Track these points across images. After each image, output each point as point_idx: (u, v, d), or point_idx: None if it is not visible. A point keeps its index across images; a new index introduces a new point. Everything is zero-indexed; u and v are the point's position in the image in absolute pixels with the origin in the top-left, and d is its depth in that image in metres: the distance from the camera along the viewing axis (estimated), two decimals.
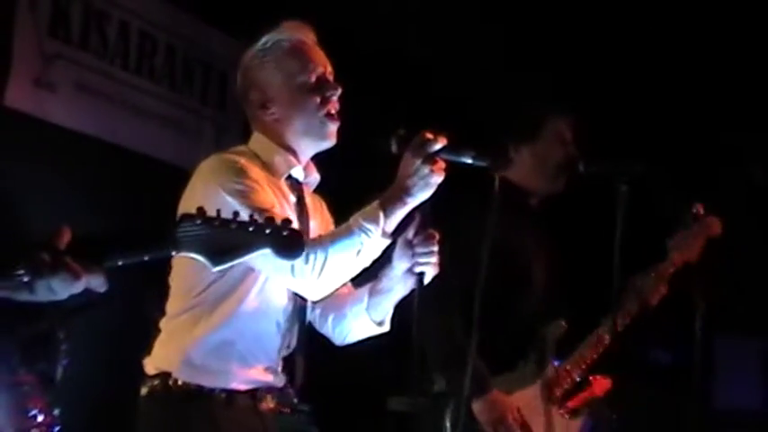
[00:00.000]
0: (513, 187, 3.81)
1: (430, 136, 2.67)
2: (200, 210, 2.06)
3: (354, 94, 2.94)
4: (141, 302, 4.64)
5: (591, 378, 3.82)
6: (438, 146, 2.66)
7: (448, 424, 3.57)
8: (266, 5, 5.80)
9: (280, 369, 2.87)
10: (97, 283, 2.07)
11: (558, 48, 5.95)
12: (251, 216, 2.10)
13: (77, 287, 2.06)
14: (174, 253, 2.07)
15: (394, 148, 2.71)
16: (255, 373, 2.80)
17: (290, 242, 2.09)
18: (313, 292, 2.72)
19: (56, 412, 4.15)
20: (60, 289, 2.04)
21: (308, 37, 2.95)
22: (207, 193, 2.69)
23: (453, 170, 2.70)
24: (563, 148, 3.83)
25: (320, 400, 2.87)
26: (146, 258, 2.08)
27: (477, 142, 2.75)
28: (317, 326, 2.98)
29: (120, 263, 2.07)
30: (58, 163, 4.84)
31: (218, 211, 2.08)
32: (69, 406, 4.24)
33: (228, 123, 5.97)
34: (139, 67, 5.48)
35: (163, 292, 3.00)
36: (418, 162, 2.64)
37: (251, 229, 2.07)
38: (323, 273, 2.63)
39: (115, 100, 5.31)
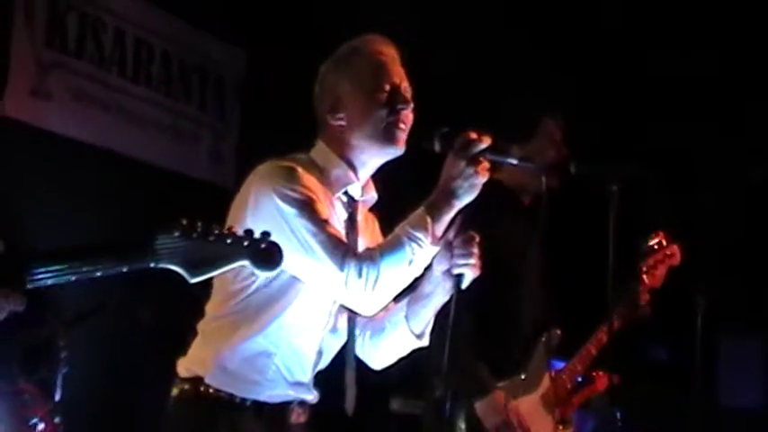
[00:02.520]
0: (505, 188, 3.80)
1: (474, 136, 2.60)
2: (179, 221, 2.06)
3: None
4: (135, 309, 4.64)
5: (593, 374, 3.81)
6: (483, 146, 2.60)
7: (463, 426, 3.55)
8: (262, 11, 5.83)
9: (312, 385, 2.81)
10: (15, 305, 2.03)
11: (554, 49, 5.96)
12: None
13: None
14: (152, 265, 2.06)
15: (437, 146, 2.64)
16: (288, 387, 2.73)
17: (267, 255, 2.09)
18: (367, 306, 2.65)
19: (57, 420, 4.15)
20: None
21: (389, 51, 2.84)
22: (259, 198, 2.62)
23: None
24: (554, 148, 3.83)
25: (320, 399, 2.84)
26: (124, 270, 2.06)
27: None
28: None
29: (98, 273, 2.05)
30: (56, 171, 4.84)
31: (193, 221, 2.08)
32: (70, 413, 4.23)
33: (226, 129, 5.97)
34: (136, 74, 5.48)
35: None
36: (463, 164, 2.58)
37: (229, 241, 2.07)
38: (376, 286, 2.57)
39: (112, 108, 5.31)
